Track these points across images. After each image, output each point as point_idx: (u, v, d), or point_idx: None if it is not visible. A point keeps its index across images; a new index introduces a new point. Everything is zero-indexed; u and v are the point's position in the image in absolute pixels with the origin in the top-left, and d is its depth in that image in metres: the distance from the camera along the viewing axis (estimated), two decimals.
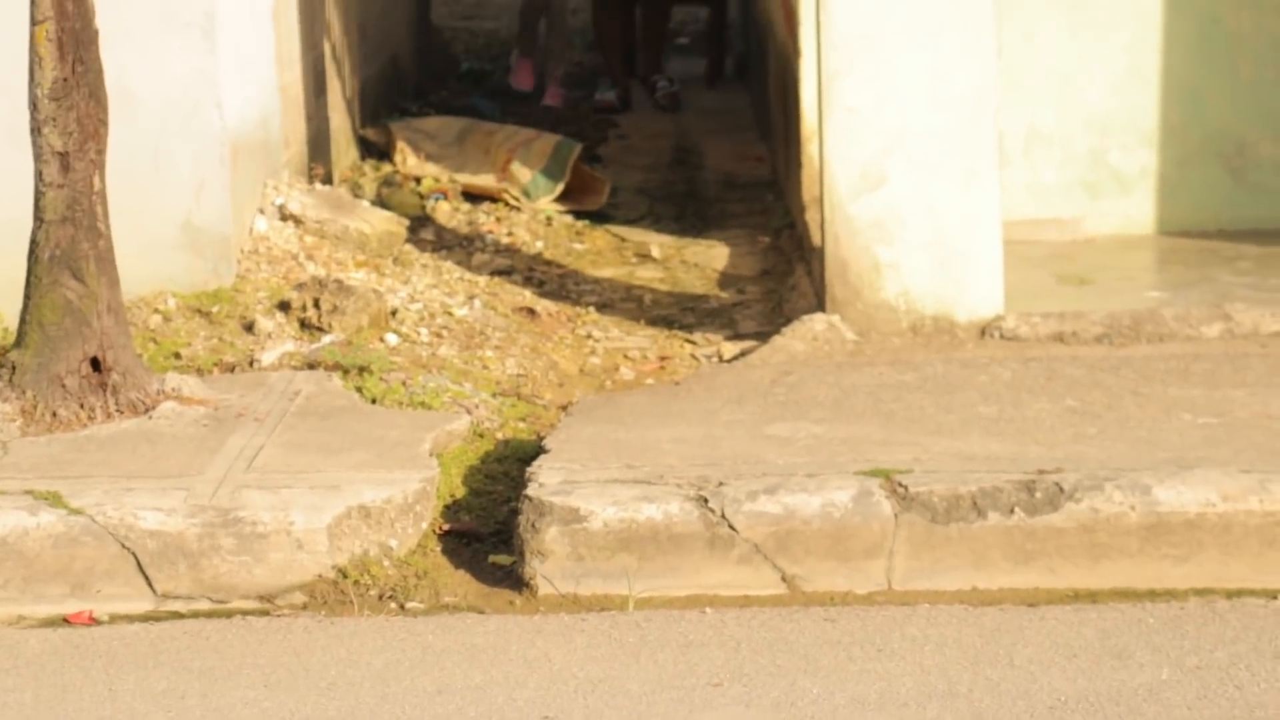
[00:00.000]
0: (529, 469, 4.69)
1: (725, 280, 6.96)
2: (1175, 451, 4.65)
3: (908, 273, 5.85)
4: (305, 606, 4.42)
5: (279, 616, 4.40)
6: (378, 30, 8.89)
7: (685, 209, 8.07)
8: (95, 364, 4.97)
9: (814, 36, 5.92)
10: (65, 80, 4.69)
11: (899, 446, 4.75)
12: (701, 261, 7.23)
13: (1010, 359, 5.52)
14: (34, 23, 4.68)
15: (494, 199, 7.75)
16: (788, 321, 5.93)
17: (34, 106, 4.78)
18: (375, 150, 8.18)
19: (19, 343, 5.01)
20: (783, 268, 6.97)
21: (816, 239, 6.26)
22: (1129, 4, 6.78)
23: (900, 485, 4.48)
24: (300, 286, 5.96)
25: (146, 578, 4.44)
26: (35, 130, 4.78)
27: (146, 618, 4.41)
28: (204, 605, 4.44)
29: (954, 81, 5.73)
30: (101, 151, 4.85)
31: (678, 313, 6.56)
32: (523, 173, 7.74)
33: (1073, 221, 6.87)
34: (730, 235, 7.59)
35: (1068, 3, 6.77)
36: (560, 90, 9.98)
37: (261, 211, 6.42)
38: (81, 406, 4.95)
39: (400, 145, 7.98)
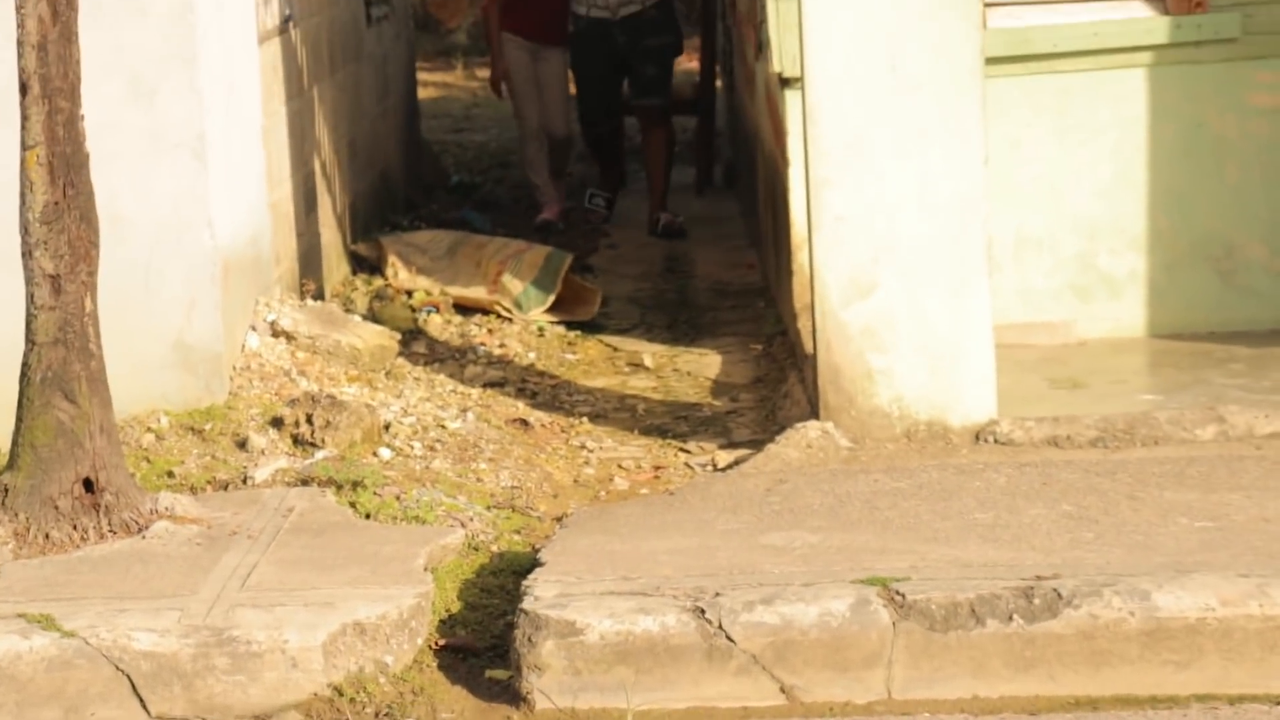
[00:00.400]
0: (524, 582, 4.67)
1: (718, 388, 6.96)
2: (1173, 556, 4.63)
3: (900, 379, 5.85)
4: None
5: None
6: (368, 146, 8.94)
7: (677, 317, 8.09)
8: (88, 485, 4.96)
9: (802, 145, 5.95)
10: (56, 204, 4.70)
11: (896, 554, 4.73)
12: (694, 370, 7.23)
13: (1005, 464, 5.51)
14: (25, 148, 4.70)
15: (486, 311, 7.77)
16: (781, 429, 5.92)
17: (25, 230, 4.80)
18: (366, 265, 8.21)
19: (11, 465, 4.99)
20: (776, 375, 6.97)
21: (809, 346, 6.27)
22: (1114, 110, 6.83)
23: (898, 594, 4.46)
24: (293, 402, 5.96)
25: (141, 700, 4.40)
26: (26, 254, 4.79)
27: None
28: None
29: (942, 189, 5.76)
30: (93, 273, 4.86)
31: (671, 421, 6.55)
32: (514, 284, 7.76)
33: (1064, 325, 6.89)
34: (723, 343, 7.60)
35: (1053, 109, 6.83)
36: (556, 207, 10.05)
37: (253, 328, 6.43)
38: (74, 528, 4.93)
39: (391, 259, 8.00)
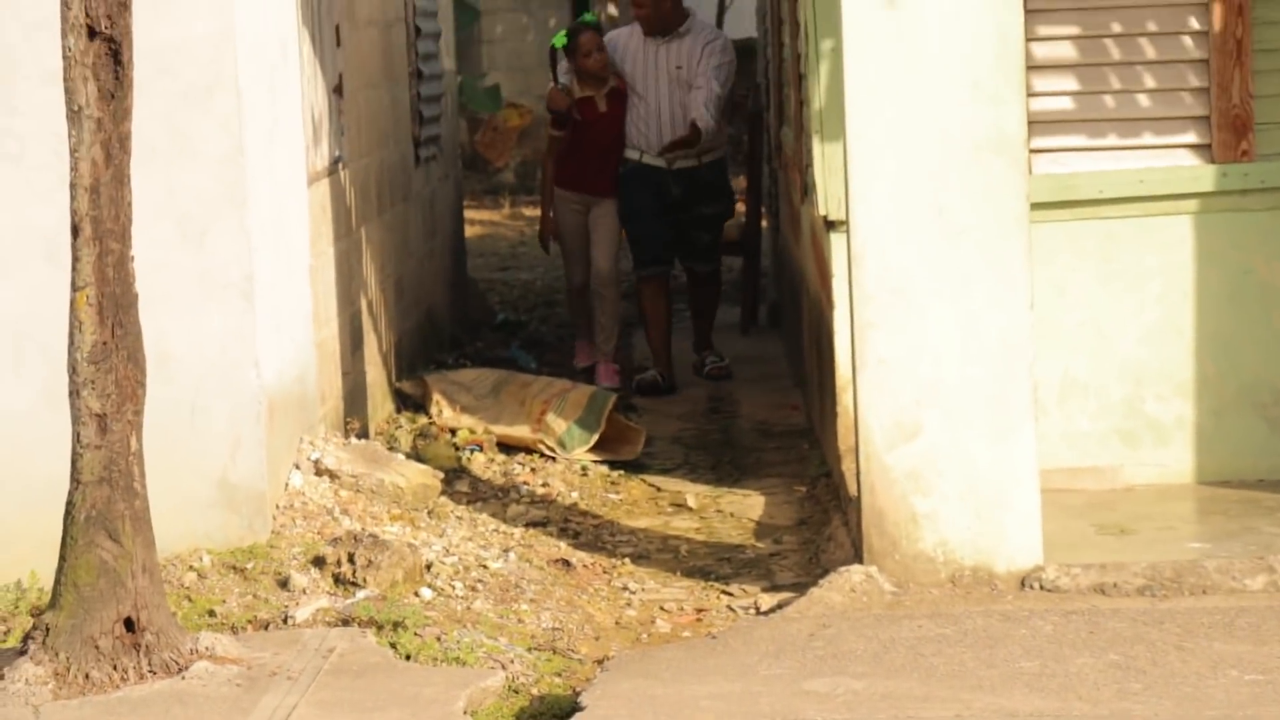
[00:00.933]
0: None
1: (762, 530, 6.93)
2: (1223, 710, 4.57)
3: (945, 523, 5.81)
4: None
5: None
6: (414, 284, 9.00)
7: (721, 458, 8.07)
8: (129, 624, 4.95)
9: (847, 288, 5.96)
10: (104, 344, 4.74)
11: (940, 703, 4.68)
12: (738, 511, 7.21)
13: (1051, 611, 5.46)
14: (75, 288, 4.74)
15: (530, 450, 7.77)
16: (825, 572, 5.88)
17: (73, 370, 4.82)
18: (411, 402, 8.23)
19: (53, 604, 4.99)
20: (819, 517, 6.94)
21: (853, 489, 6.24)
22: (1160, 256, 6.82)
23: None
24: (335, 541, 5.96)
25: None
26: (74, 393, 4.82)
27: None
28: None
29: (987, 333, 5.75)
30: (139, 413, 4.88)
31: (714, 563, 6.52)
32: (558, 424, 7.76)
33: (1110, 470, 6.84)
34: (766, 484, 7.58)
35: (1099, 254, 6.82)
36: (614, 367, 9.42)
37: (297, 466, 6.44)
38: (115, 668, 4.92)
39: (436, 397, 8.02)
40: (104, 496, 4.86)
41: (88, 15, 4.61)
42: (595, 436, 7.74)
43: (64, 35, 4.64)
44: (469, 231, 13.23)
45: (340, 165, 7.35)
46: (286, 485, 6.33)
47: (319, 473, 6.49)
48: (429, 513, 6.68)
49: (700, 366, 9.72)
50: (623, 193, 9.43)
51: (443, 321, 9.86)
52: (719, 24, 19.39)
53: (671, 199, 9.34)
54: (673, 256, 9.65)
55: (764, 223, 11.37)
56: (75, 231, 4.71)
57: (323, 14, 7.15)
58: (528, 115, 17.86)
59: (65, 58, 4.65)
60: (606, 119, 9.29)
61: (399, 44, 8.83)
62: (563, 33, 9.34)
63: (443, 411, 7.96)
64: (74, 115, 4.66)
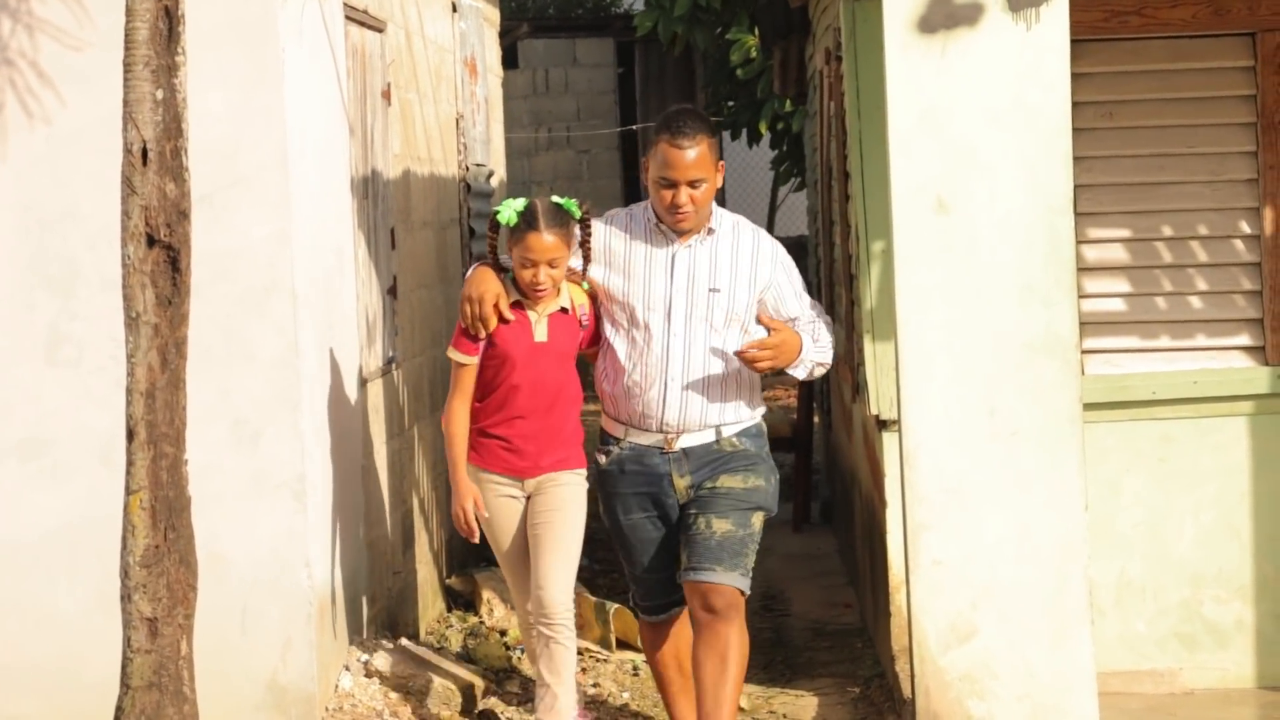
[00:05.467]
0: None
1: None
2: None
3: None
4: None
5: None
6: None
7: (773, 657, 7.99)
8: None
9: (899, 487, 5.93)
10: (157, 548, 4.75)
11: None
12: (790, 712, 7.12)
13: None
14: (129, 492, 4.76)
15: (580, 650, 7.71)
16: None
17: (125, 574, 4.83)
18: (462, 600, 8.19)
19: None
20: (874, 718, 6.85)
21: (907, 691, 6.17)
22: (1215, 458, 6.79)
23: None
24: None
25: None
26: (125, 597, 4.82)
27: None
28: None
29: (1042, 534, 5.72)
30: (190, 616, 4.88)
31: None
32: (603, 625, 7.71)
33: (1169, 674, 6.75)
34: (819, 684, 7.49)
35: (1154, 455, 6.79)
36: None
37: (347, 668, 6.40)
38: None
39: (486, 596, 7.98)
40: (153, 701, 4.83)
41: (148, 224, 4.68)
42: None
43: (124, 244, 4.70)
44: None
45: (393, 365, 7.40)
46: (336, 687, 6.29)
47: (369, 674, 6.45)
48: (478, 714, 6.62)
49: None
50: (603, 499, 5.97)
51: None
52: (770, 223, 19.64)
53: (675, 496, 5.87)
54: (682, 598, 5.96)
55: (815, 419, 11.38)
56: (130, 435, 4.74)
57: (378, 217, 7.24)
58: None
59: (124, 265, 4.71)
60: (548, 359, 5.89)
61: (453, 244, 8.92)
62: (513, 205, 5.85)
63: (493, 610, 7.92)
64: (131, 321, 4.71)
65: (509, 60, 16.80)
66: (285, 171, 5.94)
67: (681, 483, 5.85)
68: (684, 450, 5.83)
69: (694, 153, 5.74)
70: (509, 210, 5.84)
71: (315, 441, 6.12)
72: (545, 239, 5.78)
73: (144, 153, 4.71)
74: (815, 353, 5.89)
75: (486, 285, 5.88)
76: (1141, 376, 6.79)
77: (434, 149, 8.50)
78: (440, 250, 8.59)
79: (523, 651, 7.56)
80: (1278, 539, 6.80)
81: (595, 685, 7.33)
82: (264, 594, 5.99)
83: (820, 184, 10.03)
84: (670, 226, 5.80)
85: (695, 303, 5.78)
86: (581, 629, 7.73)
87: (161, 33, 4.76)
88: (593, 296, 5.96)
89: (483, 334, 5.88)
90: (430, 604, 7.90)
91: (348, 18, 6.80)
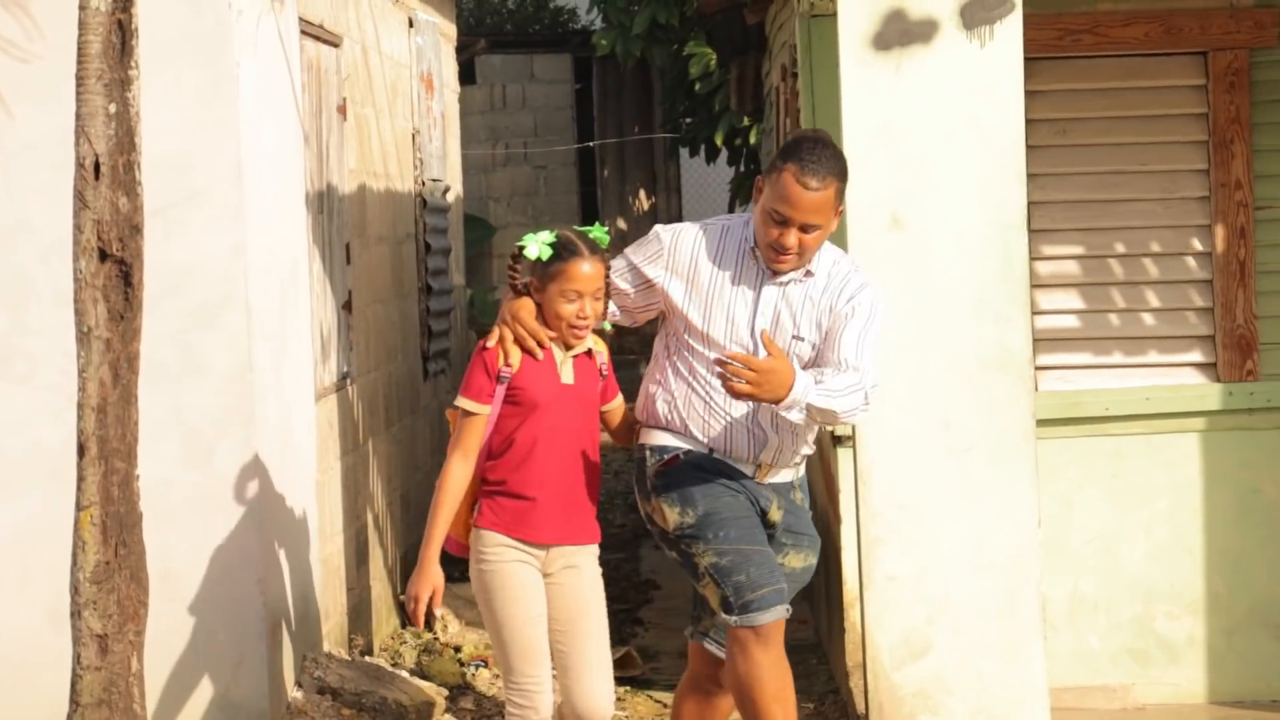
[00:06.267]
0: None
1: None
2: None
3: None
4: None
5: None
6: (421, 498, 8.98)
7: None
8: None
9: (854, 503, 5.95)
10: (108, 564, 4.71)
11: None
12: None
13: None
14: (79, 508, 4.73)
15: None
16: None
17: (75, 590, 4.79)
18: None
19: None
20: None
21: (860, 706, 6.18)
22: (1167, 474, 6.82)
23: None
24: None
25: None
26: (75, 613, 4.78)
27: None
28: None
29: (995, 549, 5.73)
30: (140, 633, 4.84)
31: None
32: None
33: (1121, 689, 6.77)
34: None
35: (1106, 471, 6.82)
36: None
37: (299, 685, 6.38)
38: None
39: (440, 612, 7.96)
40: (103, 719, 4.80)
41: (100, 239, 4.65)
42: None
43: (75, 258, 4.68)
44: None
45: (348, 380, 7.38)
46: (288, 704, 6.27)
47: (321, 691, 6.42)
48: None
49: None
50: (669, 494, 5.16)
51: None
52: None
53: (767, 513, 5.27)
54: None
55: None
56: (81, 451, 4.71)
57: (334, 232, 7.23)
58: None
59: (76, 280, 4.68)
60: (574, 404, 5.24)
61: (409, 260, 8.91)
62: (540, 239, 5.23)
63: (448, 627, 7.90)
64: (83, 336, 4.68)
65: (466, 76, 16.81)
66: (239, 186, 5.93)
67: (776, 515, 5.23)
68: (773, 486, 5.22)
69: (820, 196, 4.99)
70: (537, 244, 5.18)
71: (268, 457, 6.09)
72: (590, 268, 5.14)
73: (96, 167, 4.69)
74: (816, 394, 4.93)
75: (523, 304, 5.19)
76: (1094, 393, 6.81)
77: (390, 164, 8.49)
78: (396, 265, 8.57)
79: (477, 668, 7.55)
80: (1229, 555, 6.83)
81: None
82: (216, 610, 5.96)
83: None
84: (768, 264, 5.11)
85: (777, 342, 5.07)
86: None
87: (115, 46, 4.74)
88: (609, 346, 5.44)
89: (538, 352, 5.17)
90: (384, 620, 7.88)
91: (303, 32, 6.79)
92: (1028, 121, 6.15)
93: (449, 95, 10.59)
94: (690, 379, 5.16)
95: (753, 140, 15.16)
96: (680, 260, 5.17)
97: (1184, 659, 6.82)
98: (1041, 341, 6.71)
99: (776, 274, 5.12)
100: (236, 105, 5.92)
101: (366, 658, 7.00)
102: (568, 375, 5.21)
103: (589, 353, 5.27)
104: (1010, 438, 5.74)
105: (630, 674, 7.74)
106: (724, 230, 5.19)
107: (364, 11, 8.00)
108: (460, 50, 11.91)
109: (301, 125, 6.71)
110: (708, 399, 5.13)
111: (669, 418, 5.17)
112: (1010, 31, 5.71)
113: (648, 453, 5.18)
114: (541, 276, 5.17)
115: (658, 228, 5.26)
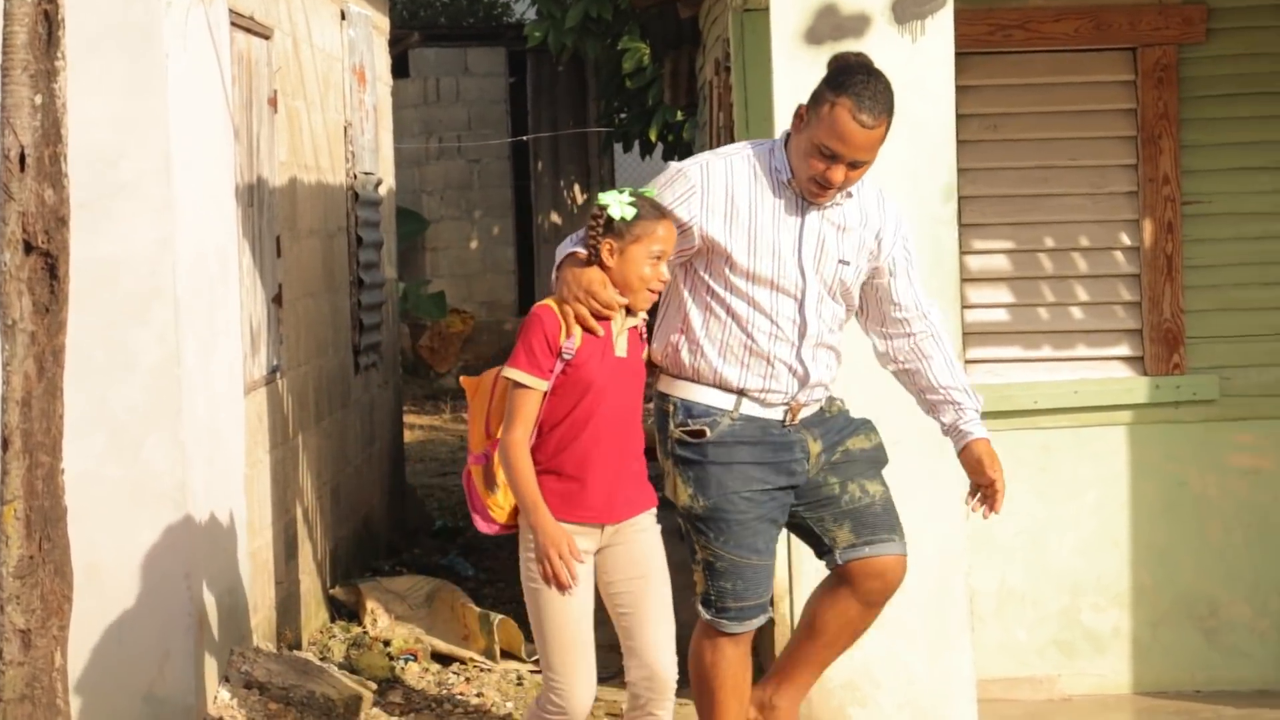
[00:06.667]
0: None
1: None
2: None
3: None
4: None
5: None
6: (351, 492, 8.95)
7: None
8: None
9: None
10: (31, 558, 4.68)
11: None
12: (679, 718, 7.11)
13: None
14: (3, 502, 4.69)
15: (465, 660, 7.68)
16: None
17: None
18: (345, 611, 8.14)
19: None
20: None
21: None
22: (1095, 467, 6.86)
23: None
24: None
25: None
26: None
27: None
28: None
29: (923, 543, 5.75)
30: (64, 627, 4.80)
31: None
32: (488, 635, 7.69)
33: (1048, 680, 6.82)
34: None
35: (1035, 464, 6.85)
36: None
37: (226, 679, 6.34)
38: None
39: (370, 606, 7.94)
40: (26, 715, 4.75)
41: (25, 231, 4.62)
42: (523, 652, 7.67)
43: (0, 251, 4.64)
44: (409, 437, 13.21)
45: (278, 374, 7.34)
46: (215, 699, 6.23)
47: (249, 685, 6.39)
48: None
49: None
50: (704, 474, 5.00)
51: (380, 528, 9.80)
52: None
53: (807, 471, 5.10)
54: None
55: None
56: (5, 445, 4.67)
57: (264, 225, 7.19)
58: (470, 321, 17.95)
59: (1, 273, 4.65)
60: (626, 378, 4.97)
61: (340, 253, 8.87)
62: (622, 199, 4.90)
63: (377, 621, 7.88)
64: (8, 329, 4.64)
65: (400, 69, 16.75)
66: (168, 178, 5.89)
67: (815, 447, 5.03)
68: (802, 422, 5.03)
69: (875, 133, 4.81)
70: (619, 205, 4.85)
71: (196, 451, 6.06)
72: (670, 228, 4.87)
73: (22, 158, 4.65)
74: (979, 419, 5.19)
75: (595, 274, 4.85)
76: (1023, 386, 6.85)
77: (321, 157, 8.45)
78: (327, 259, 8.54)
79: (406, 661, 7.53)
80: (1155, 547, 6.88)
81: (480, 695, 7.31)
82: (142, 605, 5.92)
83: None
84: (806, 196, 4.92)
85: (823, 273, 4.96)
86: (465, 639, 7.70)
87: (41, 37, 4.70)
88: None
89: (600, 330, 4.86)
90: (313, 614, 7.85)
91: (233, 24, 6.75)
92: (958, 116, 6.18)
93: (381, 88, 10.55)
94: (729, 320, 4.93)
95: (686, 135, 15.19)
96: (715, 195, 4.92)
97: (1110, 650, 6.87)
98: (971, 335, 6.75)
99: (819, 200, 4.93)
100: (165, 97, 5.88)
101: (295, 652, 6.97)
102: (621, 348, 4.92)
103: (634, 329, 4.99)
104: (938, 432, 5.76)
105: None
106: (750, 160, 4.96)
107: (295, 3, 7.96)
108: (394, 43, 11.86)
109: (231, 118, 6.67)
110: (749, 339, 4.92)
111: (697, 367, 4.97)
112: (941, 26, 5.73)
113: (673, 406, 5.01)
114: (622, 237, 4.84)
115: (679, 165, 5.00)
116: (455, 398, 16.79)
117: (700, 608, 5.08)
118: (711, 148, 9.39)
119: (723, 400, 4.95)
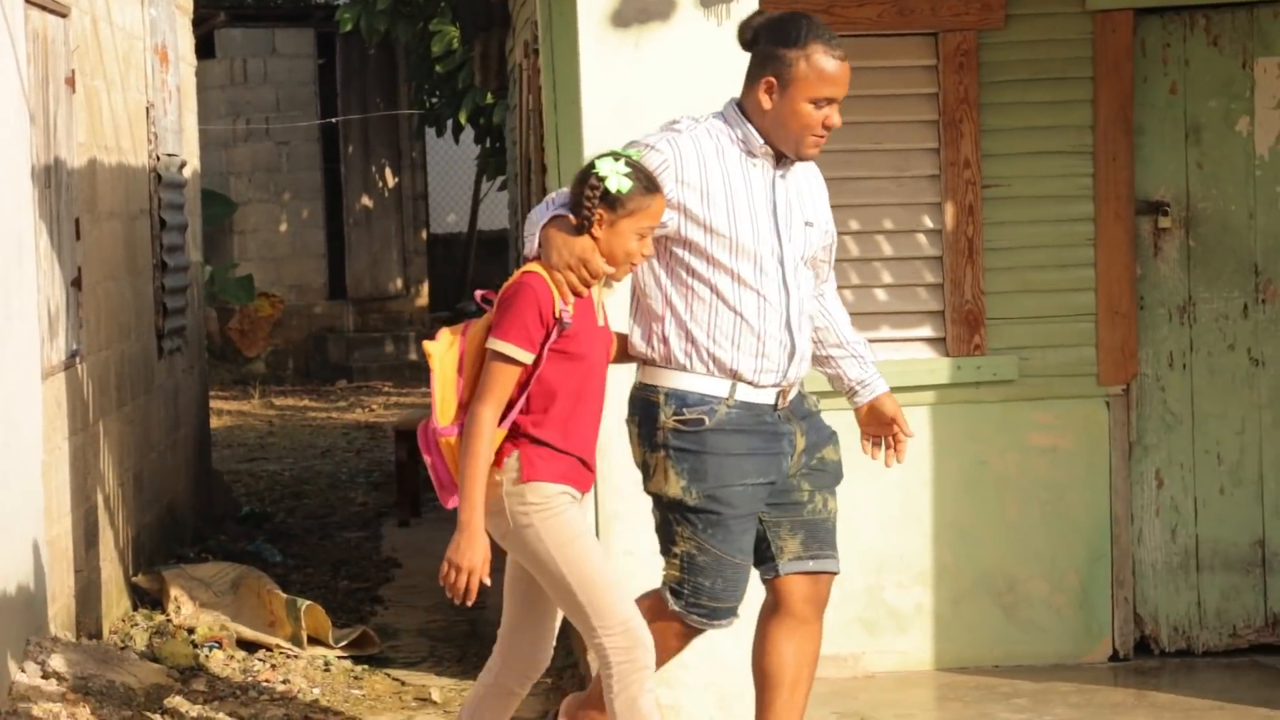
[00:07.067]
0: None
1: None
2: None
3: (688, 716, 5.80)
4: None
5: None
6: (155, 478, 8.82)
7: (468, 649, 7.96)
8: None
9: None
10: None
11: None
12: None
13: None
14: None
15: (271, 647, 7.60)
16: None
17: None
18: (149, 599, 8.02)
19: None
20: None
21: None
22: None
23: None
24: None
25: None
26: None
27: None
28: None
29: None
30: None
31: None
32: (294, 623, 7.62)
33: (852, 658, 6.89)
34: None
35: (840, 444, 6.91)
36: None
37: (22, 670, 6.22)
38: None
39: (173, 593, 7.83)
40: None
41: None
42: (331, 639, 7.61)
43: None
44: (217, 422, 13.05)
45: (77, 359, 7.21)
46: (11, 689, 6.11)
47: (46, 675, 6.27)
48: (162, 713, 6.49)
49: None
50: (700, 465, 4.91)
51: (185, 515, 9.66)
52: (473, 218, 19.57)
53: (789, 468, 5.06)
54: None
55: None
56: None
57: (62, 207, 7.05)
58: (279, 305, 17.77)
59: None
60: (604, 348, 4.87)
61: (142, 236, 8.73)
62: (617, 169, 4.72)
63: (181, 608, 7.77)
64: None
65: (205, 49, 16.51)
66: None
67: (801, 444, 5.01)
68: (791, 409, 5.00)
69: (848, 62, 4.87)
70: (617, 176, 4.70)
71: None
72: (663, 204, 4.78)
73: None
74: (874, 366, 5.26)
75: (588, 244, 4.71)
76: None
77: (122, 138, 8.31)
78: (129, 241, 8.40)
79: (210, 649, 7.43)
80: (957, 526, 6.98)
81: (286, 682, 7.24)
82: None
83: (520, 177, 10.03)
84: (799, 154, 4.87)
85: (794, 239, 4.91)
86: (272, 626, 7.63)
87: None
88: None
89: (584, 292, 4.72)
90: (116, 603, 7.72)
91: (28, 1, 6.61)
92: None
93: (185, 68, 10.39)
94: (715, 299, 4.84)
95: (497, 118, 15.14)
96: (689, 168, 4.84)
97: (912, 627, 6.96)
98: None
99: (780, 163, 4.89)
100: None
101: (95, 641, 6.85)
102: (601, 318, 4.85)
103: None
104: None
105: (368, 652, 7.69)
106: (710, 134, 4.89)
107: None
108: (198, 23, 11.70)
109: (26, 98, 6.53)
110: (738, 314, 4.84)
111: (687, 354, 4.87)
112: (746, 10, 5.75)
113: (662, 396, 4.88)
114: (615, 210, 4.69)
115: (647, 138, 4.89)
116: (264, 382, 16.61)
117: (668, 595, 4.95)
118: (522, 131, 9.37)
119: (717, 388, 4.86)
